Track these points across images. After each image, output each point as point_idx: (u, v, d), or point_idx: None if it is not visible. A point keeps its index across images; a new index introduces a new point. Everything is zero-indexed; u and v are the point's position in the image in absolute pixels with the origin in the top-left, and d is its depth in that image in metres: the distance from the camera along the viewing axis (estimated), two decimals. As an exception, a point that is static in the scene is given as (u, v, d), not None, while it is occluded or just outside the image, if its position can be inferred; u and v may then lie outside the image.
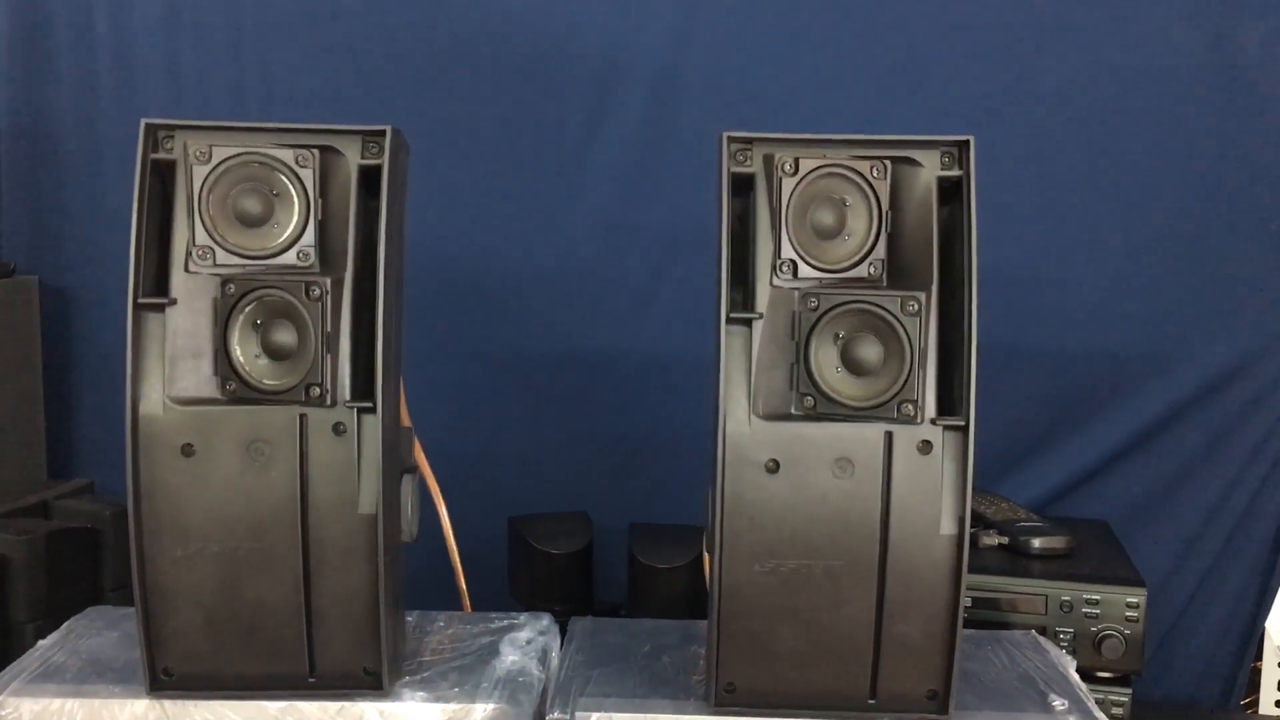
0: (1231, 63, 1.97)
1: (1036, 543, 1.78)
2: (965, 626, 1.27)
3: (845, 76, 2.05)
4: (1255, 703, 2.07)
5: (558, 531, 1.97)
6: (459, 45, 2.12)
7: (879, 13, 2.04)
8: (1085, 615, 1.68)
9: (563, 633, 1.52)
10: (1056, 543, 1.79)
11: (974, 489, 1.25)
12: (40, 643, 1.43)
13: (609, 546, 2.02)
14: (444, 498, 1.51)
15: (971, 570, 1.32)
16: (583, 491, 2.13)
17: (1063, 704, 1.32)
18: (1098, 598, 1.68)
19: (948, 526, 1.24)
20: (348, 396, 1.25)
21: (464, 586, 1.59)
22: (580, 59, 2.10)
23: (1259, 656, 2.08)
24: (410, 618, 1.49)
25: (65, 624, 1.48)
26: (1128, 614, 1.67)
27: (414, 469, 1.39)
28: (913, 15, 2.04)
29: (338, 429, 1.25)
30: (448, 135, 2.09)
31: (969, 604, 1.57)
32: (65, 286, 2.28)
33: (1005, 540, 1.80)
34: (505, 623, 1.51)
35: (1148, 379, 2.07)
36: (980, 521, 1.83)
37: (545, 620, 1.52)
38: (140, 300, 1.23)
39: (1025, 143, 2.00)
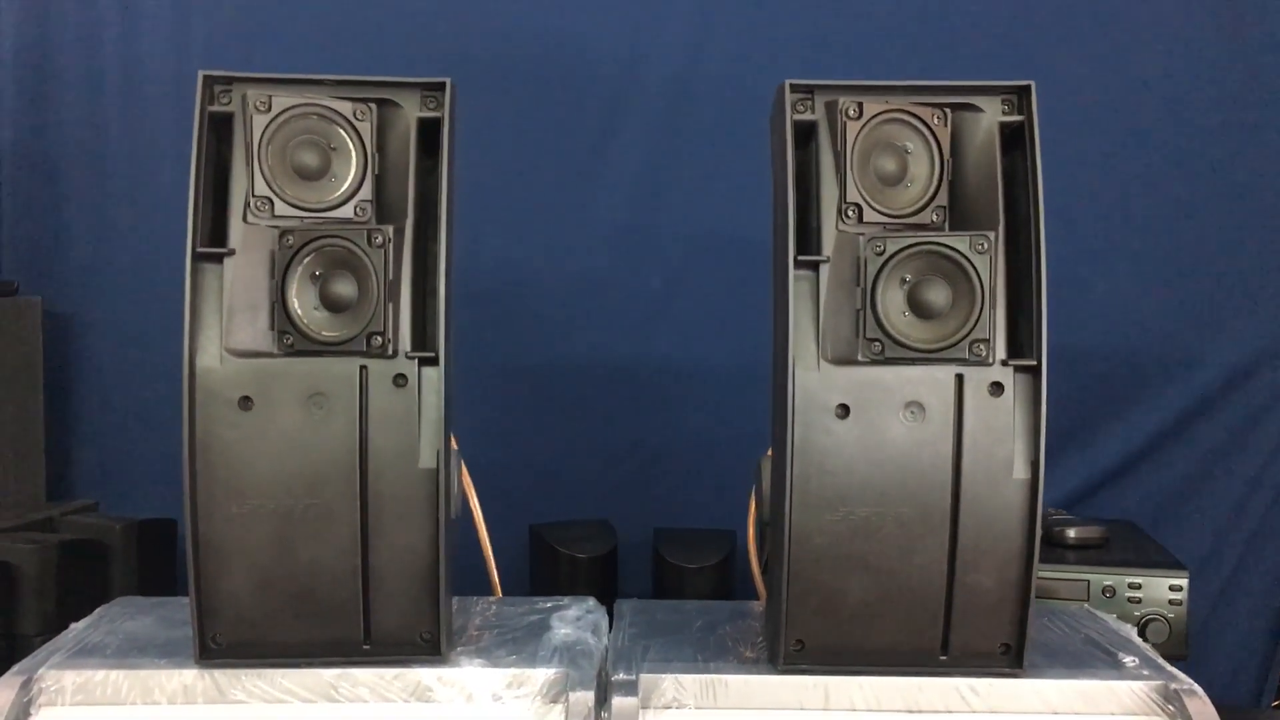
0: (1243, 69, 2.03)
1: (1072, 533, 1.77)
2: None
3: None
4: (1286, 703, 2.06)
5: (581, 537, 1.93)
6: (474, 60, 2.12)
7: (890, 23, 2.09)
8: (1128, 599, 1.66)
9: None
10: (1091, 532, 1.78)
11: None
12: (73, 625, 1.37)
13: (630, 555, 1.99)
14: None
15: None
16: (602, 501, 2.10)
17: (1133, 660, 1.30)
18: (1140, 581, 1.66)
19: (1020, 470, 1.22)
20: (408, 348, 1.23)
21: (495, 576, 1.54)
22: (595, 72, 2.12)
23: (1284, 662, 2.07)
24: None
25: (96, 610, 1.43)
26: (1171, 597, 1.65)
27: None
28: (922, 26, 2.08)
29: (398, 380, 1.22)
30: (463, 146, 2.09)
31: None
32: (67, 309, 2.24)
33: (1040, 533, 1.78)
34: (550, 604, 1.47)
35: (1163, 381, 2.09)
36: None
37: (591, 601, 1.48)
38: (199, 250, 1.20)
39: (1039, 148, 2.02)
